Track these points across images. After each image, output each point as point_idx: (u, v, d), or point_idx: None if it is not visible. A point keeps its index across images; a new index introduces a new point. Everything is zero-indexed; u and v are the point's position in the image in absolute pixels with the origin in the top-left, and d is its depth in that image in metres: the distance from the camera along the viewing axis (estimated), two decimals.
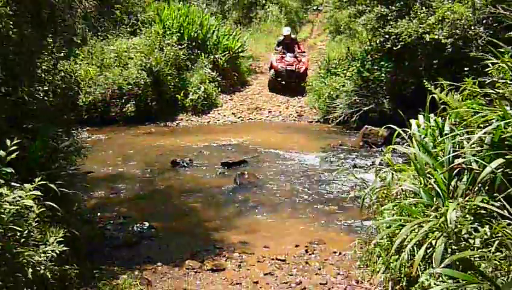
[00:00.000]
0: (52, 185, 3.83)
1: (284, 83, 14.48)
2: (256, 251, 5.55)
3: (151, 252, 5.50)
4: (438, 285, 3.37)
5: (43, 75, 5.63)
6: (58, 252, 3.32)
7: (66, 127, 5.57)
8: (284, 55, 14.53)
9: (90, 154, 6.19)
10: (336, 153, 9.64)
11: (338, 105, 11.75)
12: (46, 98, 5.54)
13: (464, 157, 4.02)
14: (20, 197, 3.05)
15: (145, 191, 7.79)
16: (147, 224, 6.25)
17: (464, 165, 4.02)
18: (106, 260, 5.13)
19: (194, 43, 14.31)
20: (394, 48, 10.07)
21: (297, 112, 13.22)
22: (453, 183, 4.08)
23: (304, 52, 15.35)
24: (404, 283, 3.92)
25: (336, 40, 17.52)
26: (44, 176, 3.62)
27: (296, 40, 15.39)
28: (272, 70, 14.67)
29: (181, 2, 15.89)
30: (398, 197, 4.61)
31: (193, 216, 6.78)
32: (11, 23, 5.02)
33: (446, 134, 4.48)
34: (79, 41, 10.80)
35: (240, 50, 15.64)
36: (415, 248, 3.80)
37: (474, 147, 4.05)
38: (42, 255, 3.11)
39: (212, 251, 5.55)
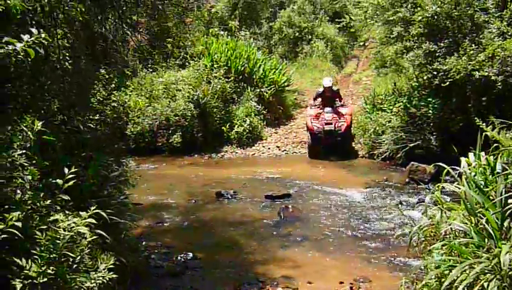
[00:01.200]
0: (103, 213, 3.93)
1: (323, 147, 12.10)
2: (300, 286, 5.49)
3: (195, 282, 5.52)
4: None
5: (96, 105, 5.84)
6: (107, 279, 3.38)
7: (116, 156, 5.73)
8: (321, 111, 12.21)
9: (137, 184, 6.32)
10: (381, 189, 9.51)
11: (384, 141, 11.63)
12: (98, 127, 5.74)
13: None
14: (74, 223, 3.14)
15: (189, 221, 7.87)
16: (190, 254, 6.30)
17: None
18: (151, 289, 5.17)
19: (240, 77, 14.58)
20: (442, 85, 9.96)
21: None
22: (505, 223, 3.97)
23: (344, 105, 12.85)
24: None
25: (381, 75, 17.46)
26: (96, 204, 3.72)
27: (338, 92, 12.89)
28: (309, 133, 12.29)
29: (229, 37, 16.25)
30: (447, 236, 4.51)
31: (236, 248, 6.78)
32: (68, 55, 5.27)
33: (498, 173, 4.37)
34: (129, 73, 11.21)
35: (285, 84, 15.81)
36: None
37: None
38: (93, 281, 3.18)
39: (255, 284, 5.52)
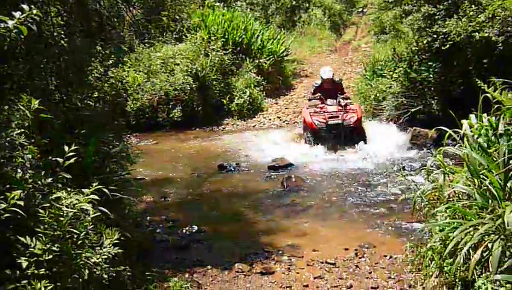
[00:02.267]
0: (105, 190, 3.93)
1: (328, 145, 9.71)
2: (306, 254, 5.52)
3: (201, 255, 5.55)
4: None
5: (94, 83, 5.79)
6: (113, 254, 3.40)
7: (116, 132, 5.71)
8: (322, 105, 10.06)
9: (139, 160, 6.31)
10: (383, 154, 9.48)
11: (385, 107, 11.57)
12: (97, 104, 5.71)
13: None
14: (77, 200, 3.14)
15: (193, 195, 7.89)
16: (195, 227, 6.33)
17: None
18: (157, 262, 5.20)
19: (238, 48, 14.45)
20: (442, 48, 9.84)
21: None
22: (509, 184, 3.96)
23: (349, 98, 10.69)
24: (459, 288, 3.81)
25: (380, 41, 17.30)
26: (98, 180, 3.71)
27: (340, 84, 10.74)
28: (306, 130, 10.12)
29: (225, 8, 16.06)
30: (451, 199, 4.51)
31: (241, 220, 6.81)
32: (63, 32, 5.21)
33: (501, 134, 4.34)
34: (126, 48, 11.11)
35: (284, 54, 15.68)
36: (470, 251, 3.70)
37: None
38: (98, 256, 3.20)
39: (261, 254, 5.55)
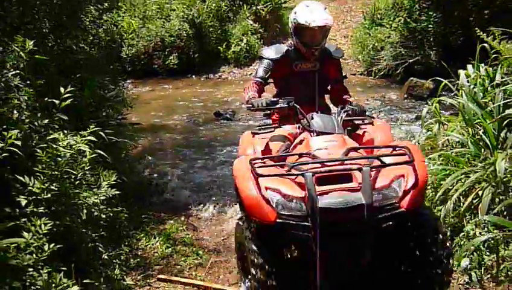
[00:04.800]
0: (101, 133, 3.96)
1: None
2: None
3: (196, 200, 5.62)
4: (483, 235, 3.37)
5: (88, 26, 5.71)
6: (110, 195, 3.45)
7: (111, 76, 5.68)
8: (296, 132, 3.57)
9: (135, 105, 6.30)
10: (379, 105, 9.49)
11: (382, 57, 11.49)
12: (92, 48, 5.65)
13: None
14: (75, 141, 3.16)
15: (189, 141, 7.93)
16: (191, 173, 6.40)
17: None
18: (153, 206, 5.28)
19: None
20: None
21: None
22: (502, 134, 4.00)
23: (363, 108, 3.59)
24: (448, 233, 3.91)
25: None
26: (94, 123, 3.72)
27: (337, 59, 4.10)
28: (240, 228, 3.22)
29: None
30: (445, 148, 4.56)
31: None
32: None
33: (497, 84, 4.35)
34: None
35: (282, 1, 15.37)
36: (460, 198, 3.78)
37: None
38: (96, 197, 3.25)
39: None
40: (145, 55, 12.56)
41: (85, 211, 3.06)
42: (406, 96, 9.88)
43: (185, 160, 7.00)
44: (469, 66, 4.95)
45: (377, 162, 2.91)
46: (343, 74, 4.16)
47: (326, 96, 4.19)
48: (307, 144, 3.13)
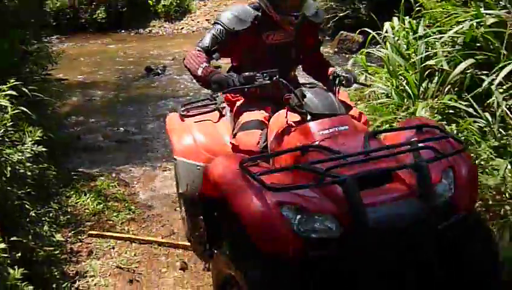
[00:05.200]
0: (24, 89, 3.80)
1: None
2: None
3: (127, 156, 5.54)
4: None
5: None
6: (36, 152, 3.35)
7: (34, 30, 5.42)
8: (294, 122, 2.45)
9: (62, 62, 6.05)
10: None
11: None
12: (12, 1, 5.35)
13: (436, 58, 4.09)
14: None
15: (119, 97, 7.76)
16: (122, 129, 6.29)
17: (435, 66, 4.10)
18: (83, 163, 5.17)
19: None
20: None
21: None
22: (424, 84, 4.18)
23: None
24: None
25: None
26: (16, 79, 3.57)
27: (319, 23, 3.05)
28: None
29: None
30: (371, 99, 4.71)
31: None
32: None
33: (420, 36, 4.51)
34: None
35: None
36: None
37: (446, 48, 4.11)
38: (20, 154, 3.14)
39: None
40: (71, 9, 12.06)
41: (9, 168, 2.96)
42: (336, 50, 10.02)
43: (115, 116, 6.85)
44: (394, 19, 5.09)
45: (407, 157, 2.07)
46: (320, 39, 3.15)
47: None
48: (305, 132, 2.28)
